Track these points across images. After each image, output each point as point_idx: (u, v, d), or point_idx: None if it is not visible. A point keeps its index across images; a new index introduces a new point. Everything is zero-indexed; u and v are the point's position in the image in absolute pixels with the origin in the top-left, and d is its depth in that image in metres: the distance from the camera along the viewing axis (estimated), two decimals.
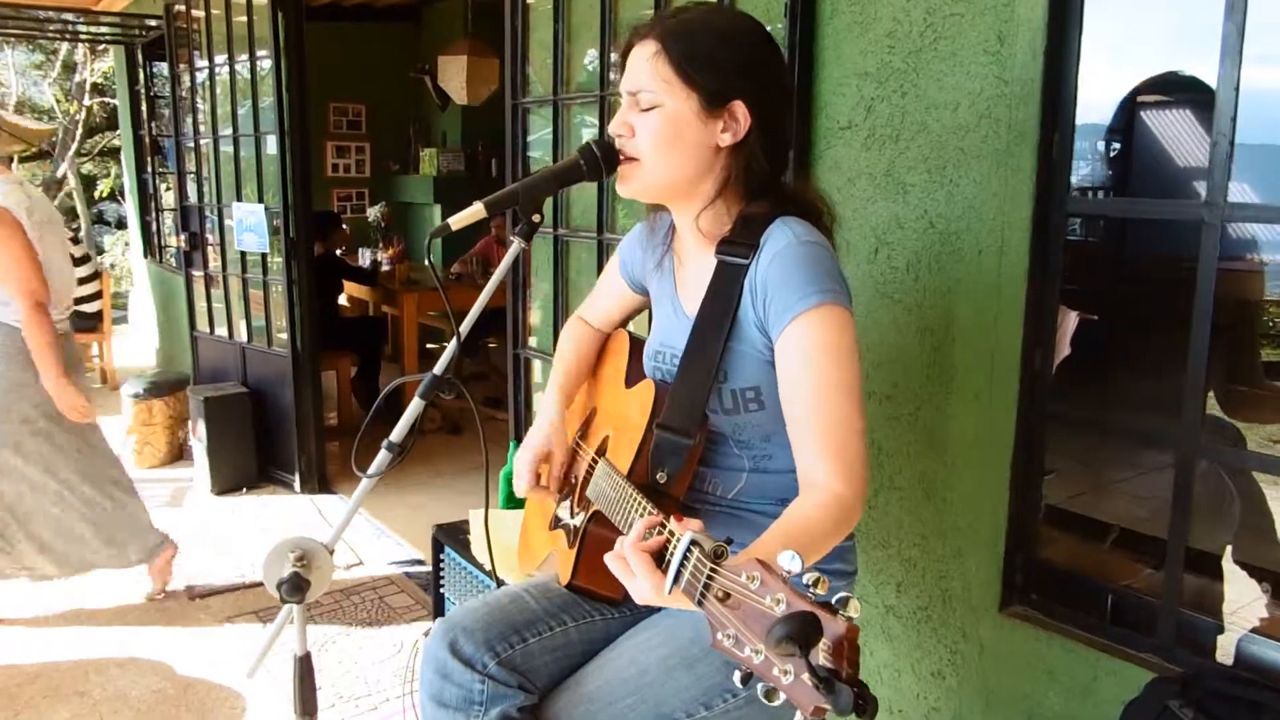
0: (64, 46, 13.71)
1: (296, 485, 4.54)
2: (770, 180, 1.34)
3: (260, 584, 3.53)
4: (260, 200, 4.52)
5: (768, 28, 1.36)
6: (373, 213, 6.99)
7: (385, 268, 6.45)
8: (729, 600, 0.91)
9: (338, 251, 6.03)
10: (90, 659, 3.03)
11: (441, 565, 2.49)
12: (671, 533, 1.02)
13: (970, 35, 1.65)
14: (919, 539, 1.84)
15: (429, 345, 6.86)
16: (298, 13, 4.24)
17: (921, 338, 1.78)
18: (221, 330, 5.00)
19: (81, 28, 7.09)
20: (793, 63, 1.91)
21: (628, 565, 1.03)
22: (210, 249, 5.07)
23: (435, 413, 5.45)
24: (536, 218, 1.33)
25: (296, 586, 1.24)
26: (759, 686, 0.86)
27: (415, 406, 1.34)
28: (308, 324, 4.46)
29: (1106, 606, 1.64)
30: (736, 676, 0.88)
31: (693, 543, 0.98)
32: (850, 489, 1.19)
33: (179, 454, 4.98)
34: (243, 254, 4.69)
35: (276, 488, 4.61)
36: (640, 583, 1.02)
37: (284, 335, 4.50)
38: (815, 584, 0.85)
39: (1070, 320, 1.66)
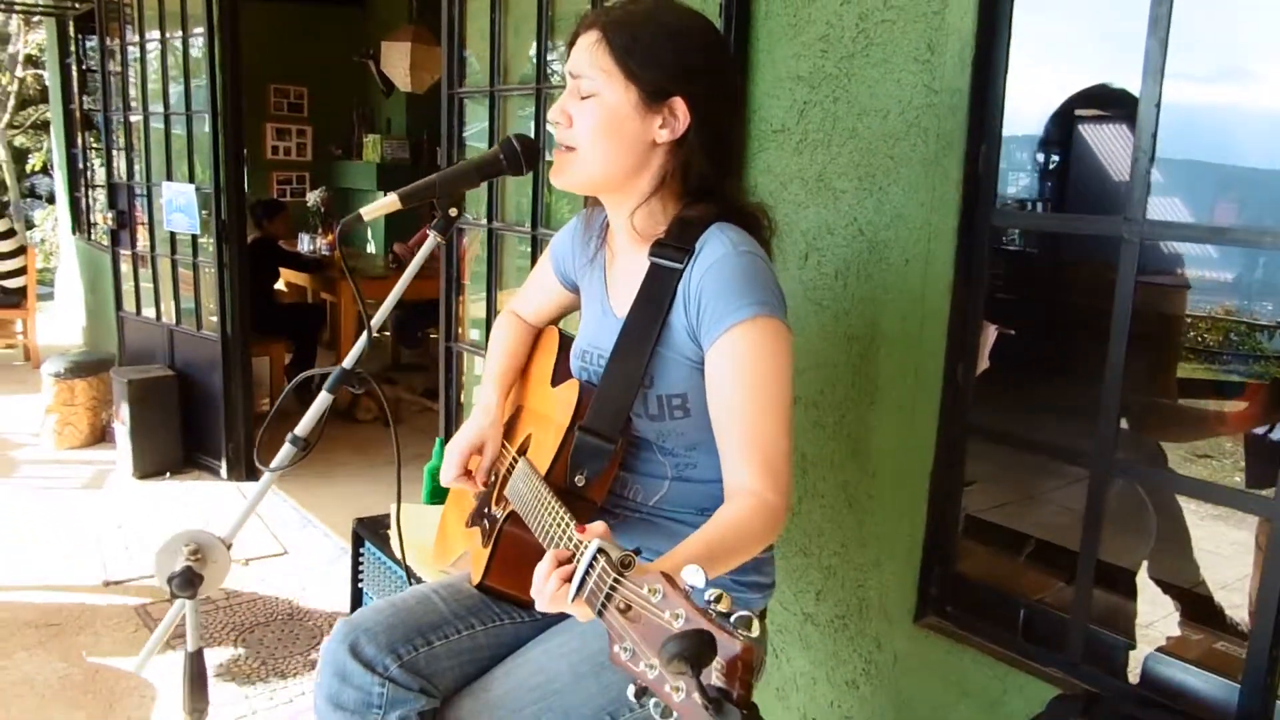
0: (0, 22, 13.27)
1: (223, 472, 4.43)
2: (711, 183, 1.30)
3: None
4: (191, 180, 4.40)
5: None
6: (312, 198, 6.85)
7: (324, 254, 6.34)
8: (629, 612, 0.89)
9: (279, 240, 5.91)
10: None
11: (361, 559, 2.43)
12: (579, 542, 1.00)
13: (901, 43, 1.63)
14: (839, 547, 1.83)
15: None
16: None
17: (848, 345, 1.77)
18: (149, 311, 4.86)
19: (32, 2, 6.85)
20: None
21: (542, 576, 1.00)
22: (140, 228, 4.93)
23: (370, 402, 5.37)
24: (454, 211, 1.29)
25: (188, 581, 1.19)
26: (652, 702, 0.84)
27: (322, 400, 1.30)
28: (239, 308, 4.35)
29: (1019, 620, 1.64)
30: (631, 690, 0.85)
31: (599, 550, 0.95)
32: (777, 497, 1.18)
33: (101, 436, 4.84)
34: (173, 234, 4.56)
35: (202, 473, 4.49)
36: (543, 589, 0.99)
37: (214, 319, 4.39)
38: (717, 600, 0.83)
39: (990, 334, 1.66)
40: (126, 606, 3.20)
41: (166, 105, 4.58)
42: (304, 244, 6.59)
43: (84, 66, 6.72)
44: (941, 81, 1.59)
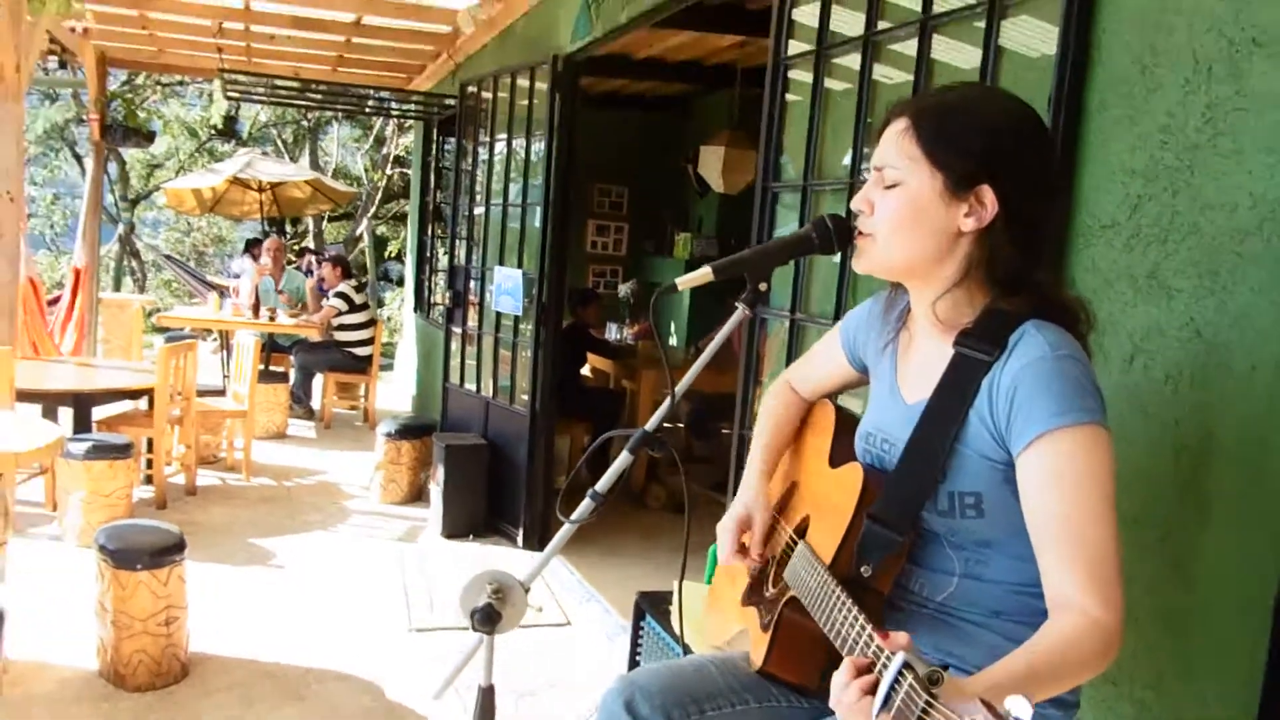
0: (377, 123, 15.37)
1: (519, 539, 4.70)
2: (1021, 273, 1.26)
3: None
4: (519, 266, 4.81)
5: None
6: (624, 289, 7.27)
7: (629, 342, 6.67)
8: None
9: (589, 328, 6.30)
10: (315, 668, 3.25)
11: (641, 632, 2.48)
12: (880, 650, 0.96)
13: (1256, 131, 1.51)
14: (1154, 678, 1.64)
15: (666, 425, 6.97)
16: (574, 100, 4.54)
17: (1177, 457, 1.61)
18: (470, 384, 5.32)
19: (393, 106, 7.92)
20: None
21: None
22: (471, 308, 5.44)
23: (660, 490, 5.51)
24: (763, 286, 1.33)
25: (489, 617, 1.27)
26: None
27: (623, 460, 1.36)
28: (547, 387, 4.66)
29: None
30: None
31: (905, 665, 0.91)
32: (1110, 616, 1.09)
33: (419, 494, 5.31)
34: (498, 315, 4.99)
35: (500, 539, 4.80)
36: (842, 698, 0.97)
37: (525, 395, 4.73)
38: None
39: None
40: (427, 652, 3.45)
41: (506, 199, 5.08)
42: (612, 332, 6.98)
43: (440, 165, 7.61)
44: None
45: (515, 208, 4.97)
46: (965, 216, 1.23)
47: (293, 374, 7.27)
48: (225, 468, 5.72)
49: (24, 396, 4.46)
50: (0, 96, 5.22)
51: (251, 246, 9.51)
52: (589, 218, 8.66)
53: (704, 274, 1.30)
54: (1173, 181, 1.64)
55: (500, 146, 5.22)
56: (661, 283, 5.94)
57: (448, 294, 5.63)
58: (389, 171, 15.07)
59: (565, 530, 1.39)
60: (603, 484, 1.37)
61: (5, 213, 5.29)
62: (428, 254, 7.79)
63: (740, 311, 1.36)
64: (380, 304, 15.04)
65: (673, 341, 8.00)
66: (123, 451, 4.29)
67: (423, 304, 7.75)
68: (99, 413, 4.84)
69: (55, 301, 6.84)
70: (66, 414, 4.87)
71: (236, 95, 7.00)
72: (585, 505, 1.38)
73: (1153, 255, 1.67)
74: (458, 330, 5.53)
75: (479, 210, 5.46)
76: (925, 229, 1.24)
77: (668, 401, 1.34)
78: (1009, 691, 0.95)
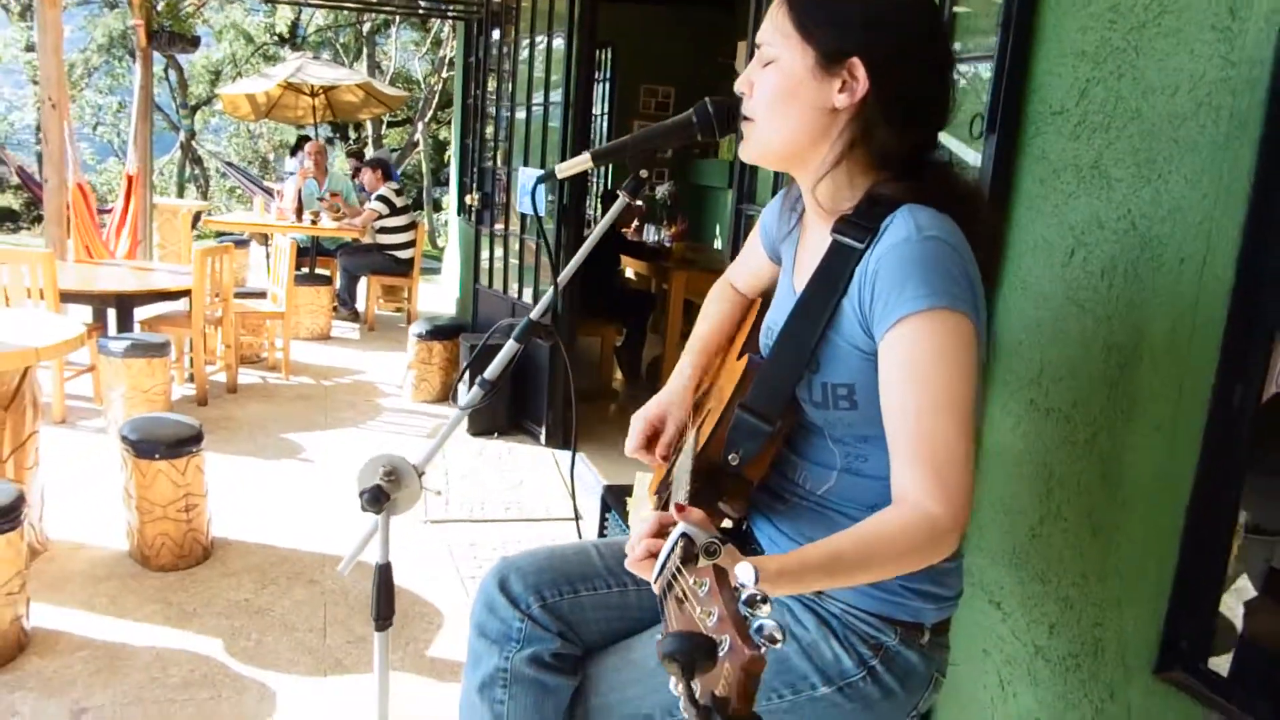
0: (434, 25, 15.22)
1: (542, 437, 4.80)
2: (901, 154, 1.21)
3: (490, 520, 3.79)
4: (543, 167, 4.79)
5: None
6: (661, 191, 7.19)
7: (666, 244, 6.63)
8: (683, 605, 0.85)
9: (621, 229, 6.27)
10: (330, 554, 3.40)
11: (606, 523, 2.54)
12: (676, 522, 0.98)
13: (1199, 8, 1.42)
14: (1079, 578, 1.63)
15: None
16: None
17: (1107, 355, 1.57)
18: (499, 285, 5.37)
19: (443, 6, 7.78)
20: (1006, 38, 1.74)
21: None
22: (498, 209, 5.46)
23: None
24: (643, 173, 1.31)
25: (376, 498, 1.32)
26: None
27: (509, 348, 1.38)
28: (570, 287, 4.67)
29: None
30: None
31: (683, 534, 0.93)
32: (945, 510, 1.06)
33: (449, 394, 5.42)
34: (523, 216, 5.00)
35: (524, 437, 4.89)
36: (632, 552, 1.00)
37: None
38: (755, 603, 0.78)
39: None
40: (437, 543, 3.58)
41: (529, 99, 5.03)
42: (649, 234, 6.94)
43: (484, 66, 7.53)
44: (1240, 52, 1.36)
45: (538, 108, 4.93)
46: (839, 93, 1.18)
47: (338, 277, 7.41)
48: (267, 367, 5.91)
49: (71, 297, 4.65)
50: (39, 3, 5.31)
51: (300, 145, 9.60)
52: (634, 118, 8.55)
53: (583, 160, 1.30)
54: (1119, 64, 1.56)
55: (525, 46, 5.15)
56: (705, 185, 5.89)
57: (477, 196, 5.64)
58: (446, 74, 14.99)
59: (456, 416, 1.42)
60: (491, 371, 1.39)
61: (49, 120, 5.44)
62: (471, 156, 7.78)
63: (621, 199, 1.35)
64: (437, 207, 15.12)
65: (716, 244, 7.94)
66: (160, 350, 4.46)
67: (465, 207, 7.79)
68: (144, 313, 5.02)
69: (111, 210, 7.04)
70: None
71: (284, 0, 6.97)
72: (475, 392, 1.40)
73: (1097, 143, 1.60)
74: (486, 231, 5.56)
75: (506, 112, 5.43)
76: (799, 107, 1.20)
77: (550, 291, 1.35)
78: (800, 572, 0.96)
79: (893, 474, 1.11)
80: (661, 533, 0.99)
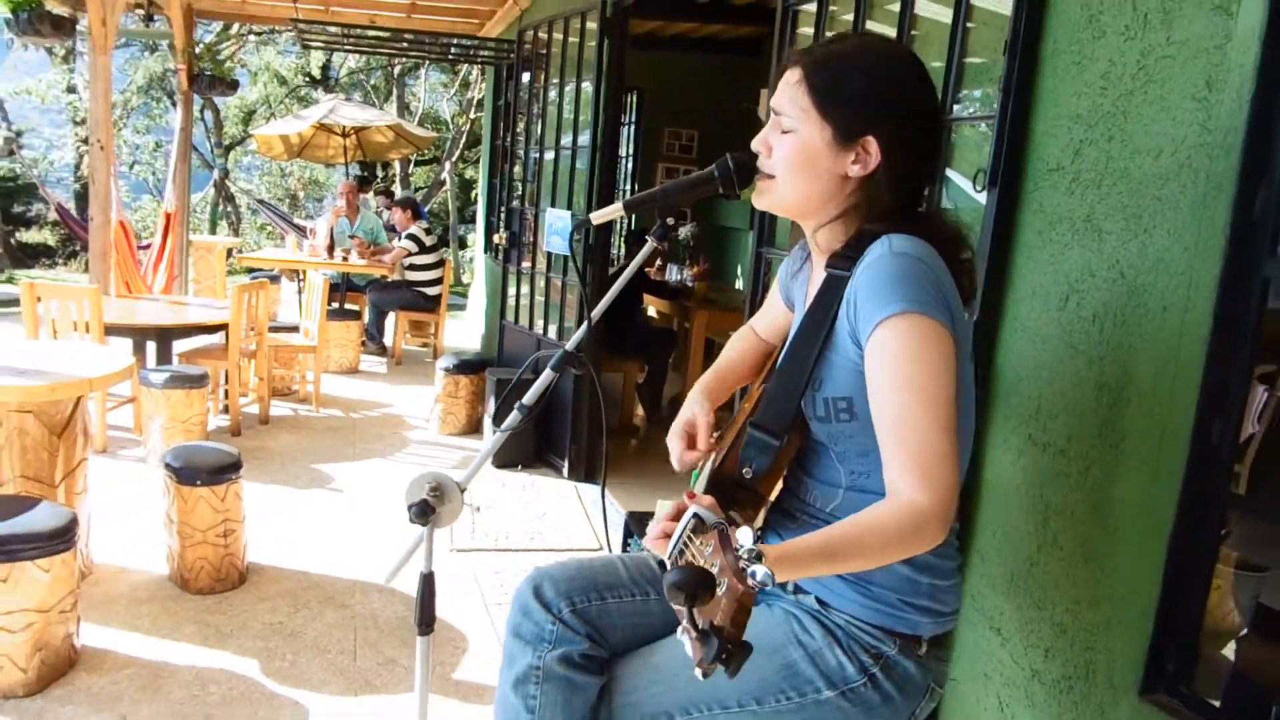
0: (463, 68, 15.56)
1: (565, 470, 4.92)
2: (896, 212, 1.36)
3: (515, 549, 3.91)
4: (569, 208, 4.96)
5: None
6: (684, 232, 7.36)
7: (689, 284, 6.79)
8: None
9: (652, 271, 6.43)
10: (360, 580, 3.53)
11: (628, 548, 2.65)
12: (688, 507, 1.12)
13: (1180, 79, 1.55)
14: (1072, 604, 1.73)
15: None
16: (623, 43, 4.63)
17: (1099, 393, 1.69)
18: (524, 321, 5.52)
19: (463, 50, 8.06)
20: (1008, 101, 1.88)
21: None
22: (526, 249, 5.63)
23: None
24: (671, 221, 1.45)
25: (423, 512, 1.45)
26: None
27: (546, 376, 1.51)
28: (594, 325, 4.81)
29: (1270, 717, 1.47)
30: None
31: (694, 515, 1.06)
32: (928, 499, 1.17)
33: (476, 427, 5.56)
34: (549, 254, 5.17)
35: (547, 470, 5.02)
36: (650, 531, 1.15)
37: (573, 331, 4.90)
38: (753, 555, 0.92)
39: (1259, 395, 1.51)
40: (463, 571, 3.70)
41: (558, 142, 5.22)
42: (673, 274, 7.11)
43: (511, 109, 7.77)
44: (1216, 120, 1.49)
45: (566, 150, 5.11)
46: (853, 164, 1.34)
47: (366, 312, 7.60)
48: (298, 399, 6.07)
49: (114, 330, 4.84)
50: (89, 50, 5.57)
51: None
52: (659, 160, 8.74)
53: (615, 210, 1.44)
54: (1109, 127, 1.69)
55: (554, 90, 5.34)
56: (726, 226, 6.06)
57: (504, 234, 5.82)
58: (473, 115, 15.31)
59: (496, 438, 1.56)
60: (529, 397, 1.52)
61: (97, 161, 5.68)
62: (498, 196, 8.00)
63: (650, 244, 1.49)
64: (463, 245, 15.37)
65: (737, 285, 8.08)
66: (198, 381, 4.63)
67: (492, 245, 7.98)
68: (181, 346, 5.20)
69: (148, 247, 7.27)
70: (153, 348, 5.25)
71: (316, 45, 7.24)
72: (514, 416, 1.53)
73: (1090, 199, 1.73)
74: (513, 269, 5.73)
75: (534, 153, 5.61)
76: (817, 174, 1.35)
77: (585, 325, 1.48)
78: (798, 555, 1.09)
79: (885, 473, 1.23)
80: (677, 517, 1.12)
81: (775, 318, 1.72)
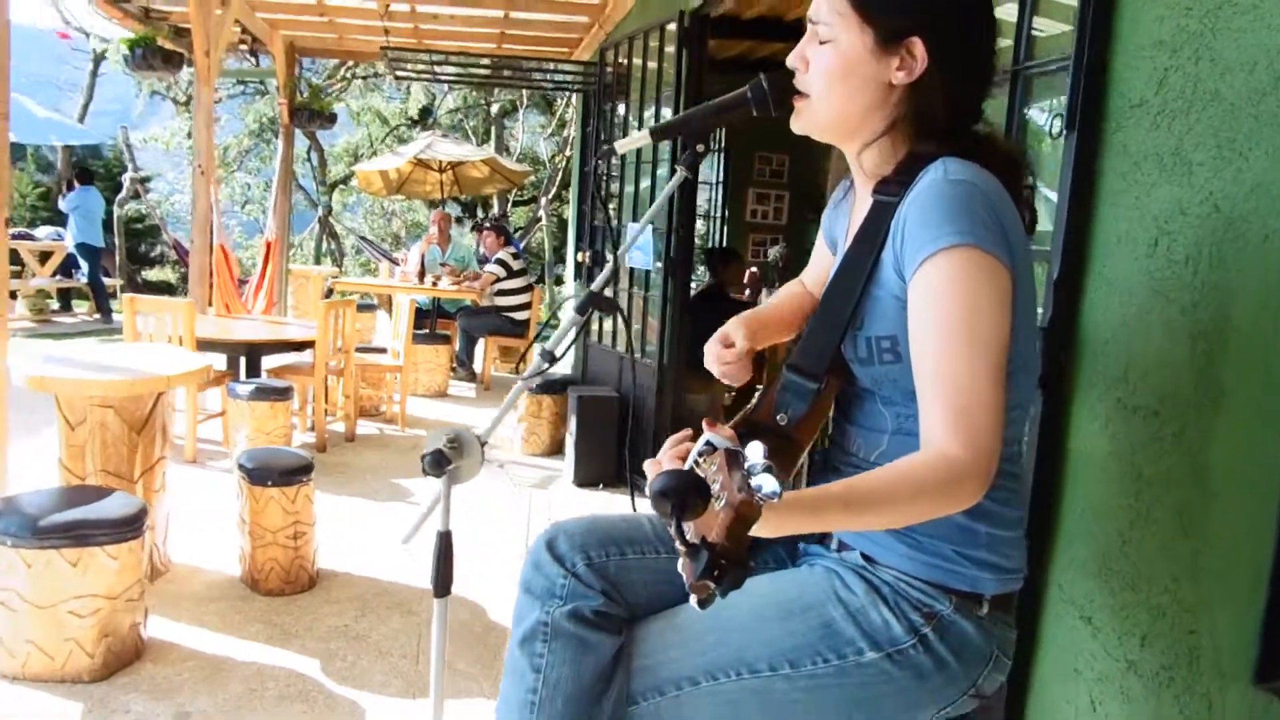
0: (560, 107, 15.84)
1: (646, 490, 4.79)
2: (949, 125, 1.23)
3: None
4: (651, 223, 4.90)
5: None
6: (772, 253, 7.24)
7: None
8: None
9: (726, 288, 6.31)
10: (428, 588, 3.45)
11: None
12: (705, 441, 1.01)
13: None
14: (1170, 581, 1.53)
15: None
16: (701, 58, 4.58)
17: (1193, 344, 1.50)
18: (607, 341, 5.46)
19: (552, 77, 8.16)
20: (1084, 33, 1.73)
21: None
22: (608, 265, 5.59)
23: None
24: (700, 148, 1.35)
25: (437, 461, 1.36)
26: None
27: (570, 318, 1.42)
28: (677, 341, 4.72)
29: None
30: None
31: (707, 442, 0.95)
32: (966, 452, 1.03)
33: (558, 448, 5.50)
34: (632, 270, 5.10)
35: (628, 489, 4.91)
36: (660, 457, 1.09)
37: (654, 349, 4.81)
38: (763, 471, 0.80)
39: None
40: None
41: (639, 159, 5.18)
42: (763, 296, 6.99)
43: (600, 133, 7.81)
44: None
45: (647, 164, 5.07)
46: (897, 70, 1.21)
47: (457, 339, 7.67)
48: (385, 420, 6.12)
49: (206, 345, 4.96)
50: (195, 81, 5.80)
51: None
52: (749, 186, 8.66)
53: (642, 137, 1.34)
54: (1196, 48, 1.53)
55: (635, 108, 5.33)
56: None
57: (586, 253, 5.80)
58: (569, 154, 15.53)
59: (517, 388, 1.46)
60: (552, 343, 1.43)
61: (198, 185, 5.89)
62: (587, 221, 8.02)
63: (680, 173, 1.39)
64: (559, 281, 15.51)
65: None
66: (283, 394, 4.69)
67: (582, 271, 7.99)
68: (270, 362, 5.31)
69: (248, 282, 7.50)
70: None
71: (408, 75, 7.41)
72: (535, 363, 1.44)
73: (1177, 130, 1.56)
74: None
75: (616, 172, 5.59)
76: (856, 84, 1.23)
77: (611, 262, 1.38)
78: (813, 503, 0.96)
79: (921, 420, 1.09)
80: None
81: (821, 265, 1.60)
